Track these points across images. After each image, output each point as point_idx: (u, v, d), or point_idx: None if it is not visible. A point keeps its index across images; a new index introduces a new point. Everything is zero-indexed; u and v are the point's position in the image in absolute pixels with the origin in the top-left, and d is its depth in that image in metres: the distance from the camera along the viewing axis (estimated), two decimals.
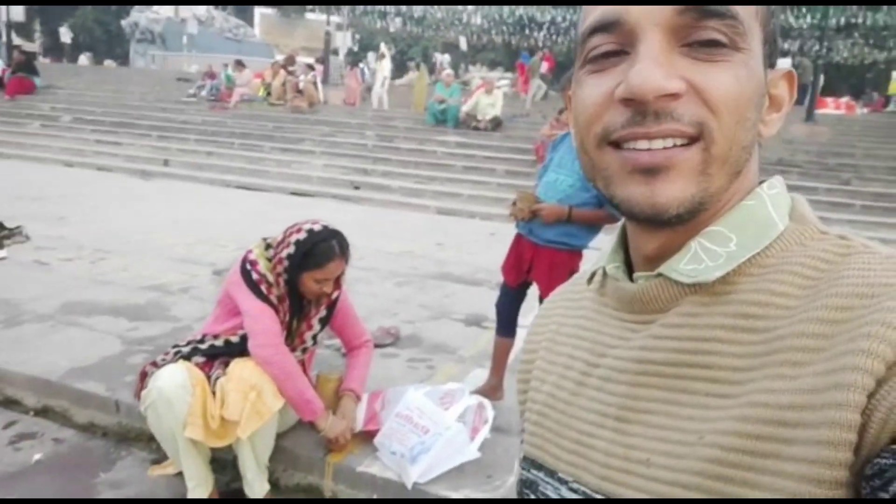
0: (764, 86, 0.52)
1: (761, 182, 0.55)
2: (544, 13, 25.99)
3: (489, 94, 12.55)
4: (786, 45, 24.56)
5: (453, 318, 4.57)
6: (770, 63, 0.53)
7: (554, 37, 25.66)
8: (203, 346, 2.47)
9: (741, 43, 0.49)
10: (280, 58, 18.06)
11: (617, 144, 0.50)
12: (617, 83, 0.49)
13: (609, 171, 0.52)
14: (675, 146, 0.49)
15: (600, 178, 0.53)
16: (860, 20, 23.35)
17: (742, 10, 0.49)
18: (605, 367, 0.57)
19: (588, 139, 0.52)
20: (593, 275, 0.64)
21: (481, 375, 3.41)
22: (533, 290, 3.07)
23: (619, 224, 0.62)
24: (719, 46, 0.48)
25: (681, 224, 0.51)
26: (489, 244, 7.14)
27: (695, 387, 0.50)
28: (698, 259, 0.52)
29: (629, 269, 0.59)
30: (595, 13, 0.51)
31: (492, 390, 3.13)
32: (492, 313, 3.95)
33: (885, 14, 23.19)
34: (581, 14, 0.55)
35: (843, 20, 23.78)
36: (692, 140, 0.48)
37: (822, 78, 16.70)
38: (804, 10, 23.75)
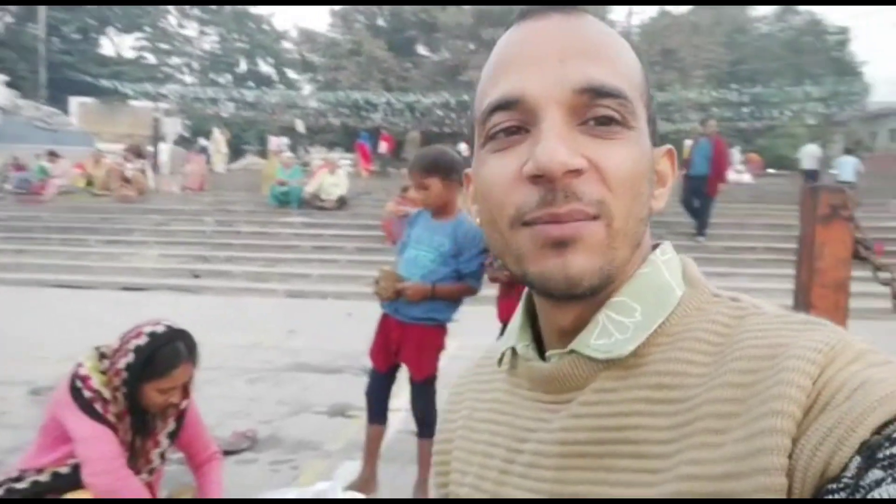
0: (652, 162, 0.55)
1: (654, 246, 0.58)
2: (380, 95, 26.93)
3: (333, 174, 12.58)
4: None
5: (315, 412, 4.32)
6: (653, 142, 0.56)
7: (390, 117, 26.58)
8: (22, 486, 2.07)
9: (632, 121, 0.52)
10: (103, 146, 16.94)
11: (529, 223, 0.51)
12: (522, 161, 0.51)
13: (522, 249, 0.52)
14: (581, 220, 0.51)
15: (511, 257, 0.54)
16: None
17: (630, 91, 0.52)
18: (529, 453, 0.56)
19: (501, 220, 0.53)
20: (503, 355, 0.63)
21: (353, 468, 3.21)
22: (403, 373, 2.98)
23: (521, 301, 0.62)
24: (613, 124, 0.51)
25: (592, 296, 0.53)
26: (346, 325, 6.96)
27: (622, 464, 0.50)
28: (607, 333, 0.53)
29: (538, 347, 0.59)
30: (495, 91, 0.53)
31: (365, 484, 2.94)
32: (356, 400, 3.79)
33: (670, 93, 26.75)
34: (477, 93, 0.57)
35: None
36: (594, 218, 0.50)
37: None
38: None
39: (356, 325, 7.26)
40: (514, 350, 0.61)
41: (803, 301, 2.39)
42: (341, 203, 12.43)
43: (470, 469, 0.63)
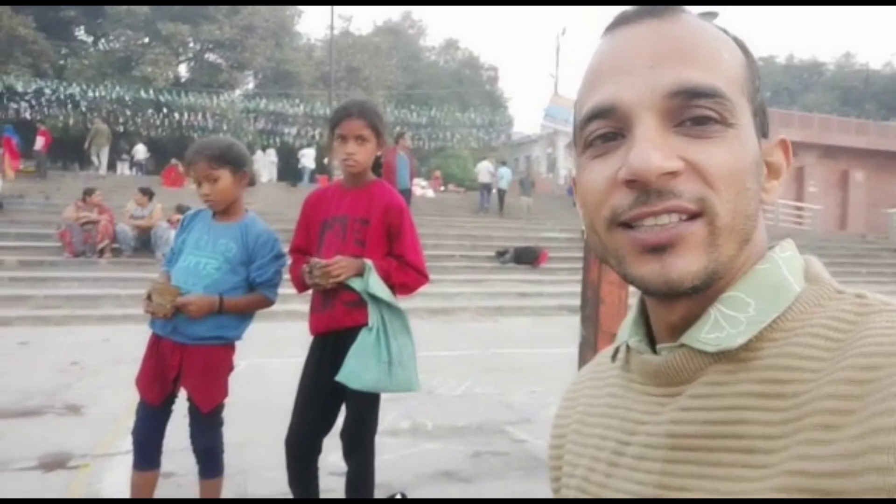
0: (759, 156, 0.55)
1: (772, 246, 0.57)
2: (29, 83, 22.67)
3: None
4: (285, 130, 27.28)
5: (21, 468, 3.36)
6: (763, 133, 0.56)
7: (46, 109, 22.56)
8: None
9: (731, 118, 0.52)
10: None
11: (626, 224, 0.52)
12: (619, 166, 0.52)
13: (621, 251, 0.53)
14: (679, 221, 0.51)
15: (613, 258, 0.55)
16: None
17: (727, 88, 0.52)
18: (638, 445, 0.57)
19: (598, 222, 0.54)
20: (617, 350, 0.64)
21: None
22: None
23: (639, 296, 0.62)
24: (711, 122, 0.51)
25: (699, 293, 0.52)
26: (23, 357, 5.65)
27: (729, 459, 0.50)
28: (719, 327, 0.53)
29: (651, 341, 0.60)
30: (591, 101, 0.55)
31: None
32: (75, 447, 3.11)
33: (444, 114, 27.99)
34: (577, 98, 0.58)
35: (327, 111, 27.82)
36: (695, 215, 0.50)
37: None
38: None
39: (35, 354, 5.96)
40: (628, 346, 0.62)
41: (593, 297, 2.66)
42: None
43: (581, 462, 0.63)
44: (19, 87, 22.68)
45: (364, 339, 2.21)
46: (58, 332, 7.01)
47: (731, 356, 0.53)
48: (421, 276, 2.36)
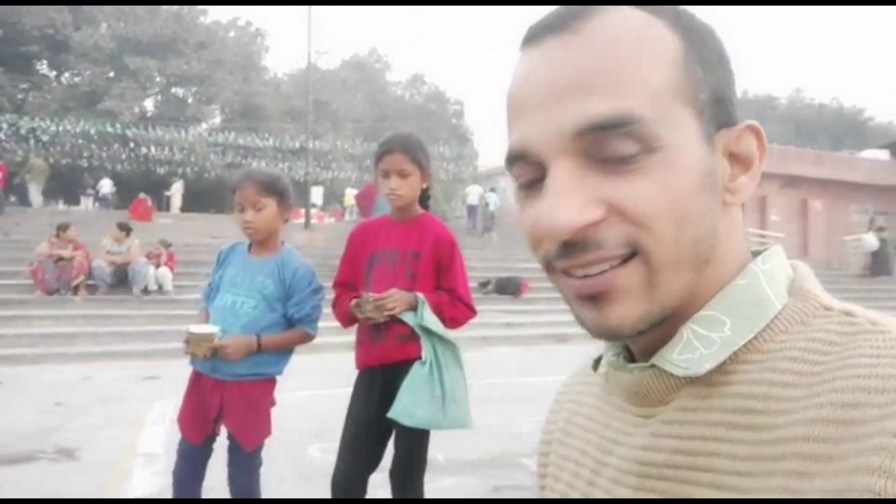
0: (709, 163, 0.48)
1: (758, 254, 0.52)
2: None
3: None
4: (253, 164, 27.04)
5: None
6: (725, 122, 0.50)
7: (5, 144, 21.96)
8: None
9: (655, 142, 0.46)
10: None
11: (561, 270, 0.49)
12: None
13: (564, 293, 0.51)
14: (611, 268, 0.47)
15: (562, 296, 0.52)
16: (310, 145, 27.69)
17: (649, 106, 0.45)
18: (612, 468, 0.54)
19: (540, 263, 0.51)
20: (598, 360, 0.60)
21: None
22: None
23: None
24: (631, 156, 0.46)
25: (645, 335, 0.49)
26: None
27: (697, 493, 0.46)
28: (692, 347, 0.49)
29: (632, 354, 0.56)
30: (510, 139, 0.51)
31: None
32: (82, 494, 2.96)
33: (322, 140, 27.90)
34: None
35: (297, 144, 27.74)
36: (628, 258, 0.46)
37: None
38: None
39: (13, 395, 5.69)
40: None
41: None
42: None
43: (563, 475, 0.61)
44: None
45: (417, 374, 2.15)
46: (33, 370, 6.72)
47: (704, 380, 0.49)
48: (469, 311, 2.34)
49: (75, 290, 9.10)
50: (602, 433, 0.57)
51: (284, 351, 2.41)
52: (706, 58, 0.49)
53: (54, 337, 7.82)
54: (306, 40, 17.90)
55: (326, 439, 4.05)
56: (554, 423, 0.67)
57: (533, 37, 0.50)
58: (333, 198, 30.83)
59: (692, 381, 0.49)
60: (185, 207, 22.61)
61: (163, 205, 22.53)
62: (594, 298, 0.47)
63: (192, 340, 2.23)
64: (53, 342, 7.69)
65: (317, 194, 23.71)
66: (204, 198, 26.91)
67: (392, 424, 2.17)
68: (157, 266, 9.68)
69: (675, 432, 0.49)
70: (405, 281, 2.23)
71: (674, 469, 0.48)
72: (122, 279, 9.46)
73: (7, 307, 8.53)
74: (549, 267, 0.50)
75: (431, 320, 2.19)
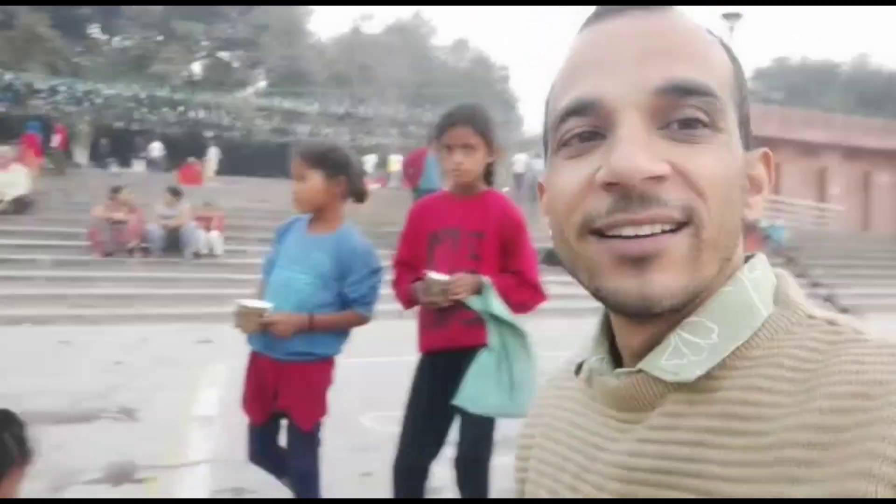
0: (744, 167, 0.51)
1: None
2: (45, 81, 22.64)
3: (7, 171, 10.07)
4: (298, 129, 27.22)
5: (87, 481, 3.22)
6: (745, 145, 0.52)
7: (63, 106, 22.51)
8: None
9: (721, 122, 0.48)
10: None
11: (600, 233, 0.48)
12: (596, 168, 0.47)
13: (593, 262, 0.49)
14: (662, 232, 0.46)
15: (583, 270, 0.50)
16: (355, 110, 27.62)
17: (719, 89, 0.49)
18: (596, 474, 0.54)
19: (568, 228, 0.50)
20: (580, 365, 0.59)
21: None
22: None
23: (600, 311, 0.57)
24: (699, 126, 0.47)
25: (671, 315, 0.48)
26: (66, 356, 5.55)
27: (685, 499, 0.47)
28: (680, 353, 0.49)
29: (616, 359, 0.55)
30: (569, 95, 0.50)
31: None
32: (139, 456, 3.22)
33: (366, 106, 27.85)
34: (549, 99, 0.54)
35: (342, 109, 27.78)
36: (680, 226, 0.46)
37: None
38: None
39: (77, 354, 5.87)
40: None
41: None
42: (21, 206, 10.03)
43: (543, 481, 0.61)
44: (37, 85, 22.66)
45: (484, 361, 2.05)
46: (95, 330, 6.93)
47: (691, 386, 0.49)
48: (538, 294, 2.20)
49: (130, 252, 9.33)
50: (585, 438, 0.56)
51: (339, 332, 2.34)
52: (743, 84, 0.53)
53: (112, 298, 8.05)
54: (351, 6, 17.68)
55: (379, 408, 4.06)
56: (534, 427, 0.66)
57: (612, 10, 0.51)
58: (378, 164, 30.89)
59: (679, 386, 0.49)
60: (229, 171, 22.94)
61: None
62: (639, 263, 0.46)
63: (241, 314, 2.19)
64: (112, 303, 7.92)
65: (369, 162, 23.82)
66: (250, 161, 27.26)
67: (457, 411, 2.11)
68: (208, 230, 9.83)
69: (661, 438, 0.49)
70: (468, 262, 2.12)
71: (660, 474, 0.48)
72: (174, 242, 9.64)
73: (70, 268, 8.80)
74: (584, 228, 0.48)
75: (499, 306, 2.07)
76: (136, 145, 22.89)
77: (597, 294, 0.50)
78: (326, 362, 2.33)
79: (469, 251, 2.14)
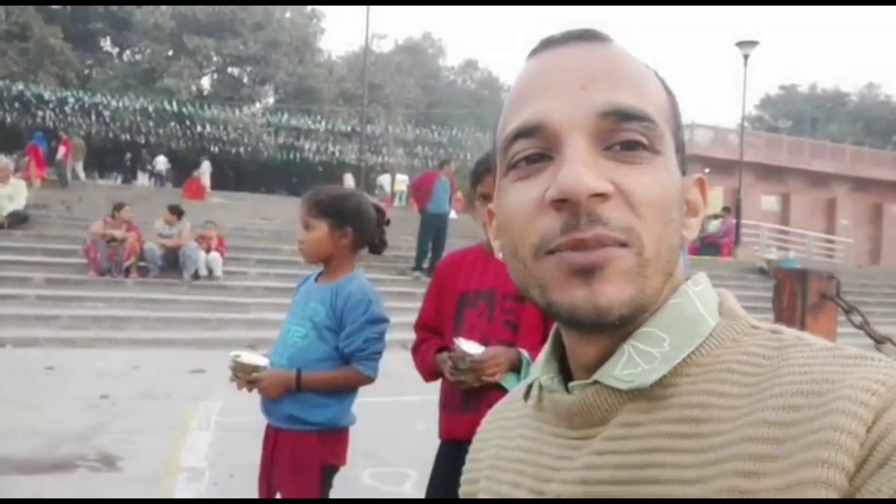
0: (682, 190, 0.53)
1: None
2: (54, 92, 22.65)
3: (4, 184, 9.89)
4: (305, 145, 27.14)
5: None
6: (682, 170, 0.54)
7: (71, 118, 22.48)
8: None
9: (659, 146, 0.50)
10: None
11: (554, 252, 0.49)
12: (545, 188, 0.49)
13: (546, 278, 0.50)
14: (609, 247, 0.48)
15: (535, 287, 0.51)
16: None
17: (657, 116, 0.51)
18: (552, 495, 0.53)
19: (523, 250, 0.51)
20: (529, 388, 0.61)
21: None
22: None
23: (552, 330, 0.59)
24: (640, 148, 0.49)
25: (620, 328, 0.50)
26: (49, 385, 5.28)
27: (644, 499, 0.47)
28: (633, 363, 0.50)
29: (566, 379, 0.56)
30: (518, 119, 0.52)
31: None
32: None
33: (374, 125, 27.77)
34: (499, 123, 0.55)
35: (349, 127, 27.76)
36: (622, 245, 0.48)
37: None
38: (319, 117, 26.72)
39: (61, 383, 5.62)
40: (541, 384, 0.58)
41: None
42: (18, 220, 9.84)
43: None
44: (46, 96, 22.67)
45: None
46: (84, 355, 6.67)
47: (645, 394, 0.50)
48: None
49: (126, 272, 9.09)
50: (536, 461, 0.56)
51: (340, 395, 2.08)
52: (678, 113, 0.56)
53: (105, 320, 7.80)
54: (361, 24, 17.61)
55: (381, 462, 3.76)
56: (479, 461, 0.66)
57: (556, 41, 0.54)
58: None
59: (634, 396, 0.50)
60: (234, 187, 22.78)
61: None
62: (588, 274, 0.47)
63: (235, 368, 2.00)
64: (104, 325, 7.67)
65: (384, 182, 23.90)
66: (256, 177, 27.12)
67: None
68: (208, 251, 9.61)
69: (618, 448, 0.50)
70: (504, 332, 1.82)
71: (621, 485, 0.48)
72: (172, 262, 9.40)
73: (64, 287, 8.56)
74: (541, 252, 0.49)
75: None
76: (142, 158, 22.82)
77: (549, 310, 0.50)
78: (326, 433, 2.02)
79: (504, 318, 1.84)
